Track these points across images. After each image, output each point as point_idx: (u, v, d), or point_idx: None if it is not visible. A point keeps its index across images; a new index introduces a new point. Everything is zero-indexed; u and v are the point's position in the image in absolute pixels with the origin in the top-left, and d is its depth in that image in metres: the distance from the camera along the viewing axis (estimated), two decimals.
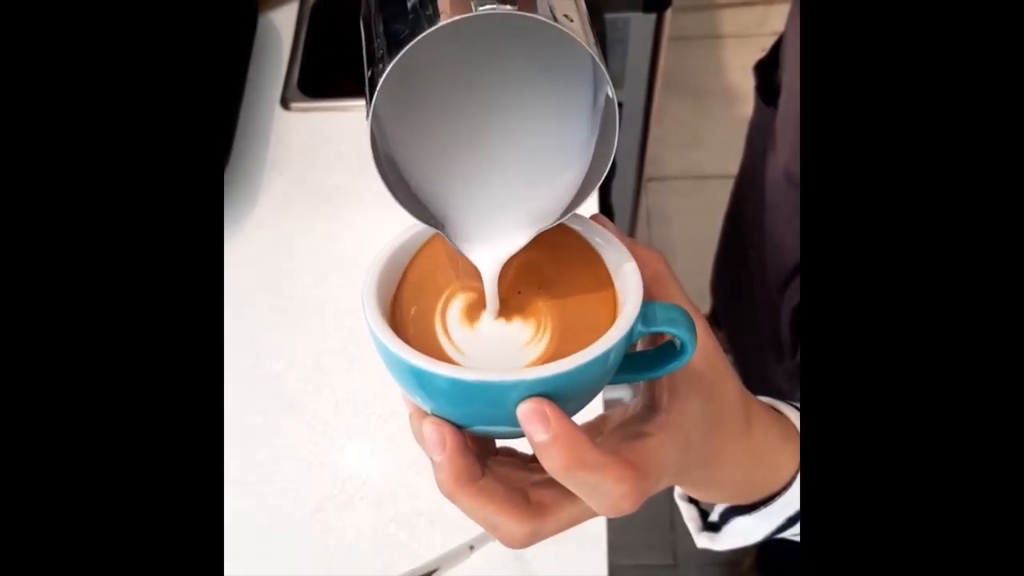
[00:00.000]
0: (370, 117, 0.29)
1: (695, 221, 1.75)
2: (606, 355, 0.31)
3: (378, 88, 0.28)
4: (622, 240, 0.35)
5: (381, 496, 0.72)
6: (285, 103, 0.95)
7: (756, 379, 1.05)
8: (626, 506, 0.31)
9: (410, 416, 0.34)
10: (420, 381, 0.31)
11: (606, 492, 0.31)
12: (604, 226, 0.35)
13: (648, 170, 1.37)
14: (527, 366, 0.32)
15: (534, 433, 0.29)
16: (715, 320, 1.53)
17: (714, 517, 0.44)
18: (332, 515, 0.71)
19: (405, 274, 0.35)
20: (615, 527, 0.66)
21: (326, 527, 0.71)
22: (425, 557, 0.65)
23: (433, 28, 0.27)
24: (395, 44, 0.28)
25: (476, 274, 0.34)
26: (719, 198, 1.24)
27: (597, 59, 0.29)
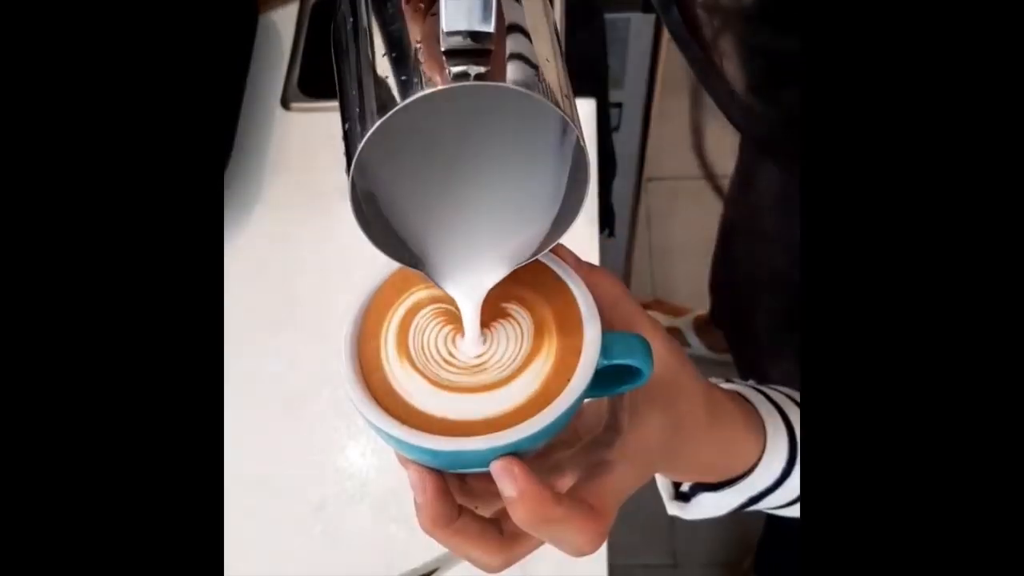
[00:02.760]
0: (351, 172, 0.30)
1: (695, 221, 1.75)
2: (569, 410, 0.33)
3: (357, 152, 0.29)
4: (579, 268, 0.37)
5: (381, 496, 0.72)
6: (285, 103, 0.95)
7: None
8: (588, 549, 0.34)
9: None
10: (398, 445, 0.34)
11: (570, 540, 0.34)
12: (563, 258, 0.37)
13: (648, 170, 1.37)
14: (507, 414, 0.34)
15: (503, 488, 0.32)
16: (715, 320, 1.53)
17: (685, 488, 0.47)
18: (332, 515, 0.71)
19: (376, 326, 0.37)
20: (615, 527, 0.66)
21: (326, 527, 0.71)
22: (425, 557, 0.66)
23: (405, 103, 0.28)
24: (374, 109, 0.29)
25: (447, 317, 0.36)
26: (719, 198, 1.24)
27: (565, 116, 0.30)
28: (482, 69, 0.28)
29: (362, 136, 0.29)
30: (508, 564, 0.36)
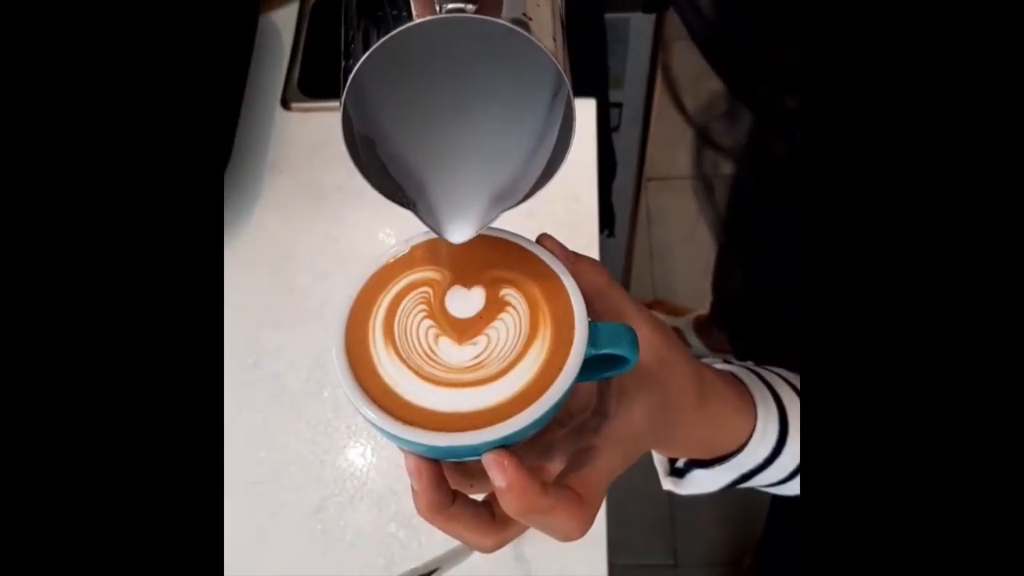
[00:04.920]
0: (342, 106, 0.31)
1: (695, 221, 1.75)
2: (558, 402, 0.34)
3: (346, 86, 0.30)
4: (566, 259, 0.38)
5: (381, 496, 0.72)
6: (285, 103, 0.95)
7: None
8: (576, 535, 0.35)
9: None
10: (393, 439, 0.34)
11: (557, 527, 0.35)
12: (550, 248, 0.38)
13: (648, 170, 1.37)
14: (498, 406, 0.34)
15: (494, 479, 0.34)
16: (716, 320, 1.53)
17: (679, 464, 0.48)
18: (332, 515, 0.71)
19: (363, 322, 0.37)
20: (615, 527, 0.66)
21: (326, 527, 0.71)
22: (425, 557, 0.66)
23: (391, 33, 0.29)
24: (364, 42, 0.30)
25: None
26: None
27: (552, 57, 0.31)
28: (472, 6, 0.29)
29: (352, 67, 0.30)
30: (500, 545, 0.38)
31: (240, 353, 0.79)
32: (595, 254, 0.82)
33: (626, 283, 1.62)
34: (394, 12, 0.29)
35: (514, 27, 0.29)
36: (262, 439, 0.75)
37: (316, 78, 0.97)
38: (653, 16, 1.10)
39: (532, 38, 0.30)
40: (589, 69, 0.95)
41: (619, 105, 1.22)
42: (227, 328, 0.79)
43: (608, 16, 1.07)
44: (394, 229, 0.35)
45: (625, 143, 1.26)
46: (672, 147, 1.85)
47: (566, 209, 0.83)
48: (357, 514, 0.71)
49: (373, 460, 0.74)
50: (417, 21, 0.29)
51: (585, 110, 0.88)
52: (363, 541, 0.70)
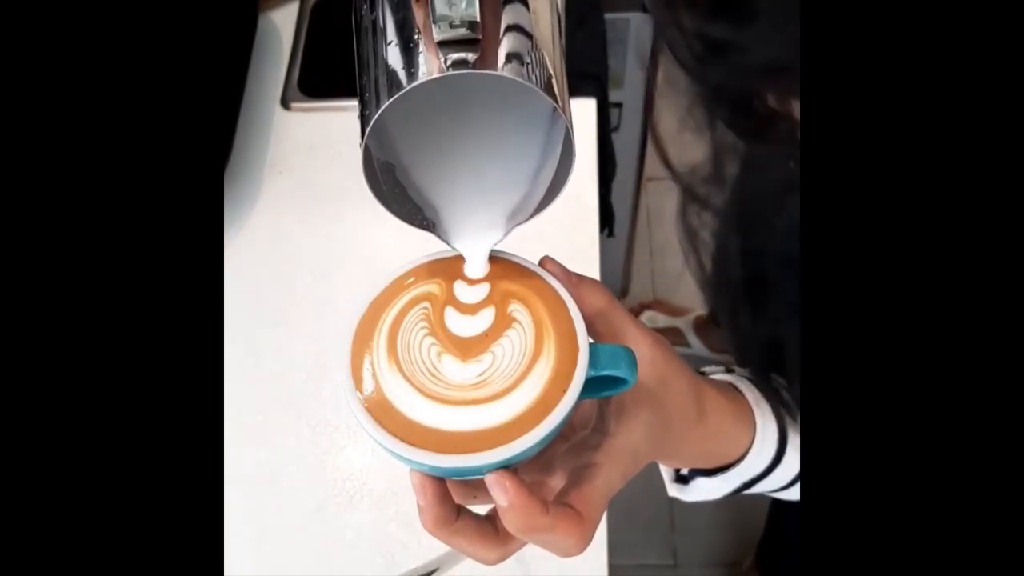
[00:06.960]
0: (363, 148, 0.34)
1: None
2: (559, 425, 0.35)
3: (366, 135, 0.33)
4: (568, 281, 0.39)
5: (381, 496, 0.72)
6: (285, 103, 0.95)
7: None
8: (575, 552, 0.37)
9: None
10: (398, 458, 0.35)
11: (557, 544, 0.36)
12: (552, 270, 0.39)
13: (648, 170, 1.37)
14: (500, 427, 0.35)
15: (496, 498, 0.34)
16: (715, 320, 1.53)
17: (683, 472, 0.49)
18: (332, 515, 0.71)
19: (371, 341, 0.37)
20: (615, 527, 0.66)
21: (326, 527, 0.71)
22: (425, 557, 0.66)
23: (402, 91, 0.31)
24: (377, 95, 0.32)
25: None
26: None
27: (548, 97, 0.32)
28: (472, 57, 0.30)
29: (366, 125, 0.32)
30: (503, 558, 0.38)
31: (240, 353, 0.79)
32: (595, 254, 0.82)
33: (626, 283, 1.62)
34: (402, 66, 0.31)
35: (514, 78, 0.31)
36: (262, 439, 0.75)
37: (316, 78, 0.97)
38: (653, 16, 1.10)
39: (530, 86, 0.31)
40: (589, 69, 0.95)
41: (619, 105, 1.22)
42: (227, 327, 0.79)
43: (608, 16, 1.07)
44: (394, 229, 0.35)
45: (625, 143, 1.26)
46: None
47: (566, 209, 0.83)
48: (357, 514, 0.71)
49: (373, 460, 0.74)
50: (422, 80, 0.31)
51: (585, 110, 0.88)
52: (363, 541, 0.70)
